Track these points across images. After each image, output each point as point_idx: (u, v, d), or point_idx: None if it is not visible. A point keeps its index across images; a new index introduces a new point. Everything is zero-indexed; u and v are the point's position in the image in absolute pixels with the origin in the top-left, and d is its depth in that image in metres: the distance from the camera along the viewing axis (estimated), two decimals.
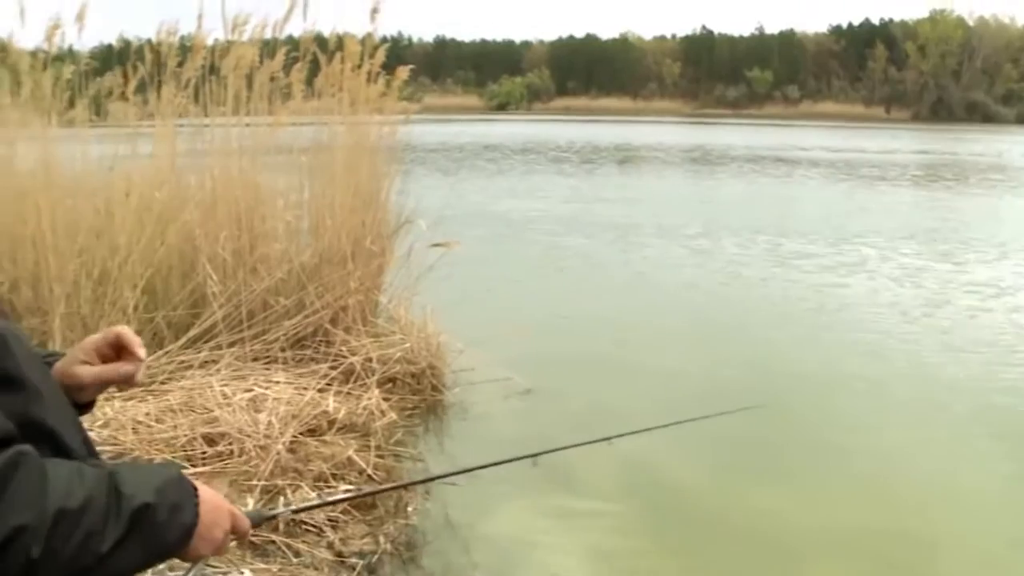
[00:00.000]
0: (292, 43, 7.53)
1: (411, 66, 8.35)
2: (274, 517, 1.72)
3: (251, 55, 7.08)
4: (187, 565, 1.42)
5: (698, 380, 7.28)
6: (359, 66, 7.36)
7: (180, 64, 7.04)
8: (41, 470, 1.14)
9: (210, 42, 7.27)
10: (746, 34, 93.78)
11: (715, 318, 9.40)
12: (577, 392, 6.84)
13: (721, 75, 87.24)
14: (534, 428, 6.00)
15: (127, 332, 1.59)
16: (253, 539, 4.01)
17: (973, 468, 5.79)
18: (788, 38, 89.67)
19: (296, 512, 1.84)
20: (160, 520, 1.25)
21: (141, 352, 1.58)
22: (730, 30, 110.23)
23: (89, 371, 1.56)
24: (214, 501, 1.39)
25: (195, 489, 1.35)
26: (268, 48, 7.27)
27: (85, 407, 1.60)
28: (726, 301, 10.14)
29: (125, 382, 1.60)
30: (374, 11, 7.66)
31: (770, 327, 9.01)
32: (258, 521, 1.60)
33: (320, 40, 7.70)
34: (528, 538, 4.65)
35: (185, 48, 7.23)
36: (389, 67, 7.72)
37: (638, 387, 7.05)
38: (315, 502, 2.67)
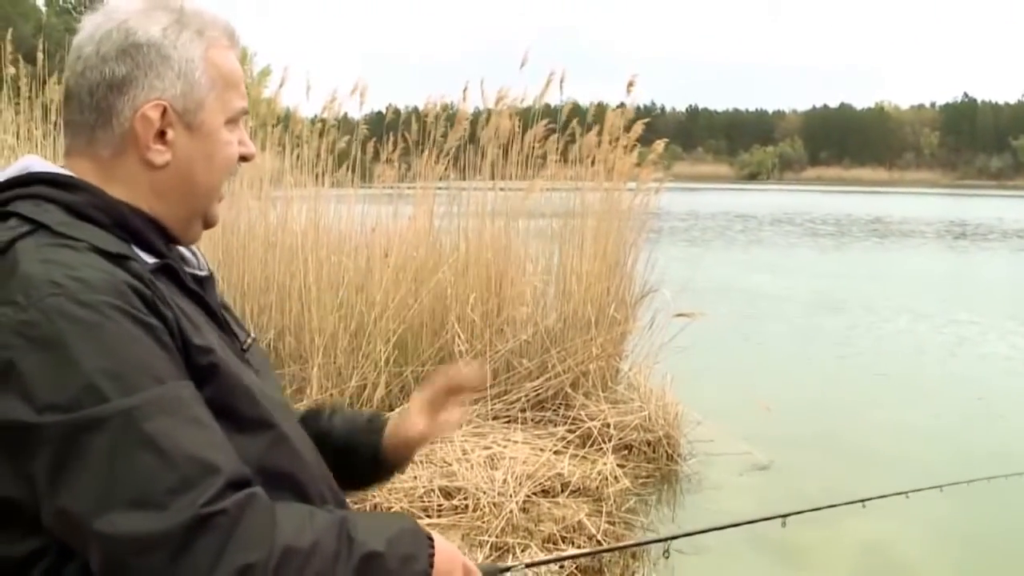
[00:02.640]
0: (550, 113, 7.70)
1: (666, 139, 8.36)
2: (507, 570, 1.70)
3: (509, 125, 7.29)
4: None
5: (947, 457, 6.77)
6: (616, 139, 7.42)
7: (444, 134, 7.35)
8: (271, 511, 1.14)
9: (471, 111, 7.59)
10: (1012, 100, 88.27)
11: (961, 403, 8.72)
12: (817, 470, 6.50)
13: (984, 144, 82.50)
14: (770, 502, 5.73)
15: (457, 373, 1.66)
16: None
17: None
18: None
19: (529, 566, 1.85)
20: (391, 568, 1.23)
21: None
22: (994, 96, 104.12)
23: (416, 429, 1.64)
24: (449, 552, 1.35)
25: (430, 540, 1.32)
26: (527, 117, 7.46)
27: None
28: (970, 383, 9.42)
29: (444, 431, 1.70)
30: (630, 84, 7.74)
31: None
32: (491, 573, 1.59)
33: (577, 110, 7.84)
34: None
35: (450, 117, 7.55)
36: (644, 138, 7.77)
37: (882, 468, 6.62)
38: (546, 557, 2.67)
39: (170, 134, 1.26)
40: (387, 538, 1.24)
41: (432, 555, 1.30)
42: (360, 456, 1.63)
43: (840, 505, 2.49)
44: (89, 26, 1.27)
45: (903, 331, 12.25)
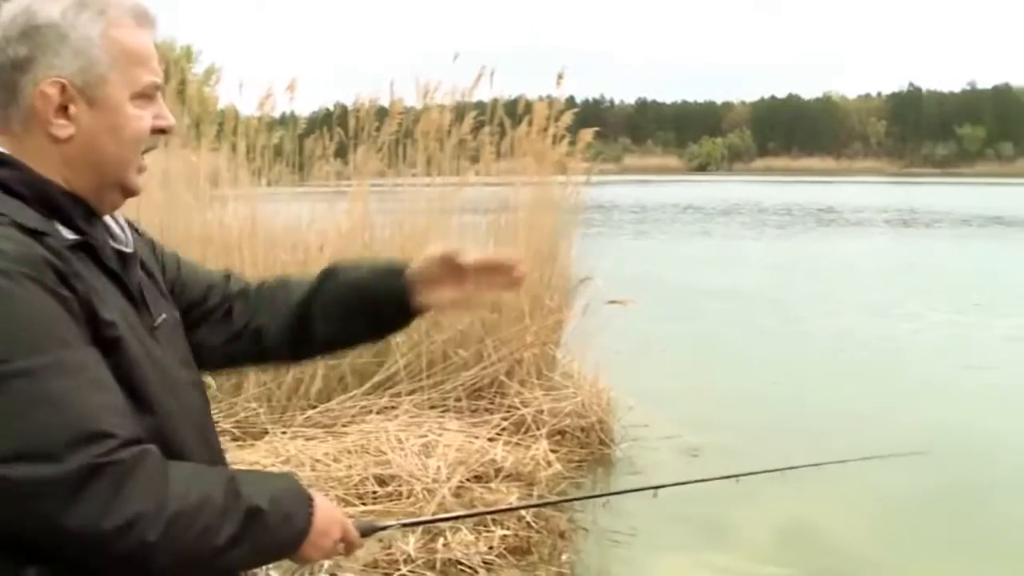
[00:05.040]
0: (482, 108, 7.87)
1: (596, 128, 8.55)
2: (383, 528, 1.81)
3: (441, 119, 7.44)
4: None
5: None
6: (545, 129, 7.59)
7: (378, 129, 7.49)
8: (163, 465, 1.26)
9: (406, 107, 7.73)
10: (957, 90, 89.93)
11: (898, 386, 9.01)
12: (748, 452, 6.72)
13: (929, 133, 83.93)
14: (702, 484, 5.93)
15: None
16: (408, 575, 4.17)
17: None
18: (1003, 93, 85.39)
19: (405, 526, 2.00)
20: (272, 524, 1.35)
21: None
22: (939, 86, 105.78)
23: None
24: (327, 511, 1.48)
25: (311, 500, 1.44)
26: (463, 113, 7.62)
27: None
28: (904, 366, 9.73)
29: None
30: (559, 76, 7.94)
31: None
32: (367, 532, 1.69)
33: (509, 105, 8.01)
34: None
35: (382, 113, 7.69)
36: (585, 129, 7.97)
37: (807, 449, 6.85)
38: (427, 517, 2.80)
39: (72, 109, 1.35)
40: (271, 496, 1.36)
41: (311, 514, 1.43)
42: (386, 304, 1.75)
43: (712, 479, 2.65)
44: (5, 12, 1.37)
45: (842, 319, 12.56)
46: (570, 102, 9.34)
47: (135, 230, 1.55)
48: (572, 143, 7.90)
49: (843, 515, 5.58)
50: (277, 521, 1.36)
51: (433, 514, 4.73)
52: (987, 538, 5.44)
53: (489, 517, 4.86)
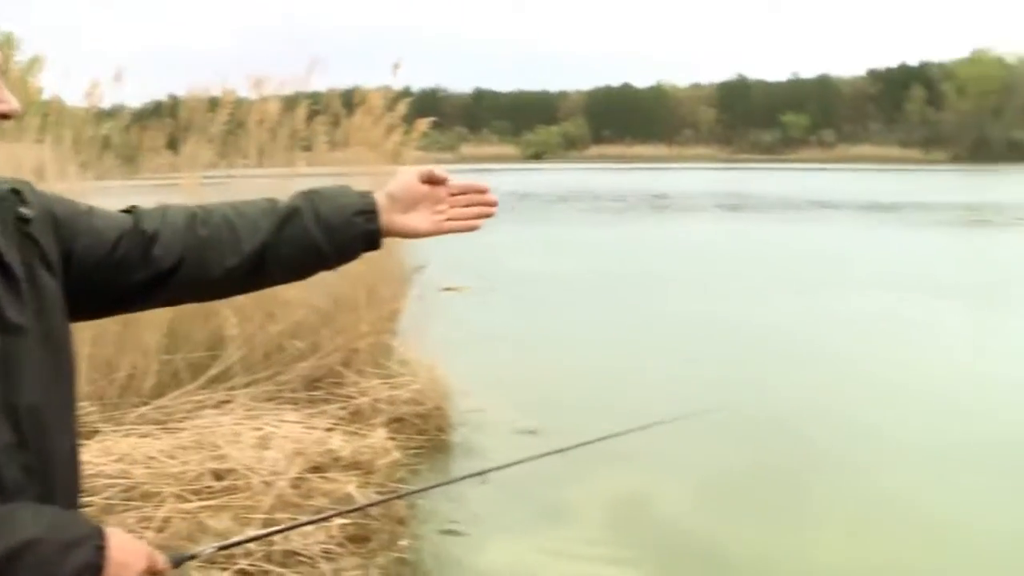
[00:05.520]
0: (315, 97, 7.86)
1: (433, 118, 8.65)
2: (194, 557, 1.61)
3: (273, 110, 7.40)
4: None
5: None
6: (380, 119, 7.64)
7: (210, 119, 7.39)
8: None
9: (238, 96, 7.65)
10: (782, 79, 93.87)
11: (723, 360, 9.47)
12: (583, 431, 6.95)
13: (756, 121, 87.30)
14: (534, 465, 6.11)
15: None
16: (248, 568, 4.19)
17: (944, 484, 5.84)
18: (824, 83, 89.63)
19: (220, 549, 1.71)
20: (48, 553, 1.26)
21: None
22: (765, 76, 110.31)
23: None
24: (128, 543, 1.38)
25: (99, 530, 1.34)
26: (290, 103, 7.59)
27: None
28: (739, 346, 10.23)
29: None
30: (395, 66, 8.00)
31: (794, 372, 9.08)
32: (178, 561, 1.54)
33: (346, 94, 8.03)
34: (520, 573, 4.79)
35: (214, 104, 7.58)
36: (421, 119, 8.05)
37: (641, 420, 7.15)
38: (239, 538, 2.57)
39: None
40: (48, 526, 1.28)
41: (102, 547, 1.31)
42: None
43: (537, 457, 2.76)
44: None
45: (679, 299, 13.05)
46: (406, 92, 9.40)
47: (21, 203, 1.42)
48: (407, 132, 7.99)
49: (669, 485, 5.86)
50: (53, 550, 1.26)
51: (271, 508, 4.76)
52: (804, 502, 5.82)
53: (328, 508, 4.92)
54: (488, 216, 1.74)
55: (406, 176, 1.67)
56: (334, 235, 1.61)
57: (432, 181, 1.67)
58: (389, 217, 1.64)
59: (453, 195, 1.71)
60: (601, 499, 5.63)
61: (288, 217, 1.61)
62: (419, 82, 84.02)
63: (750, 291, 13.52)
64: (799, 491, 5.99)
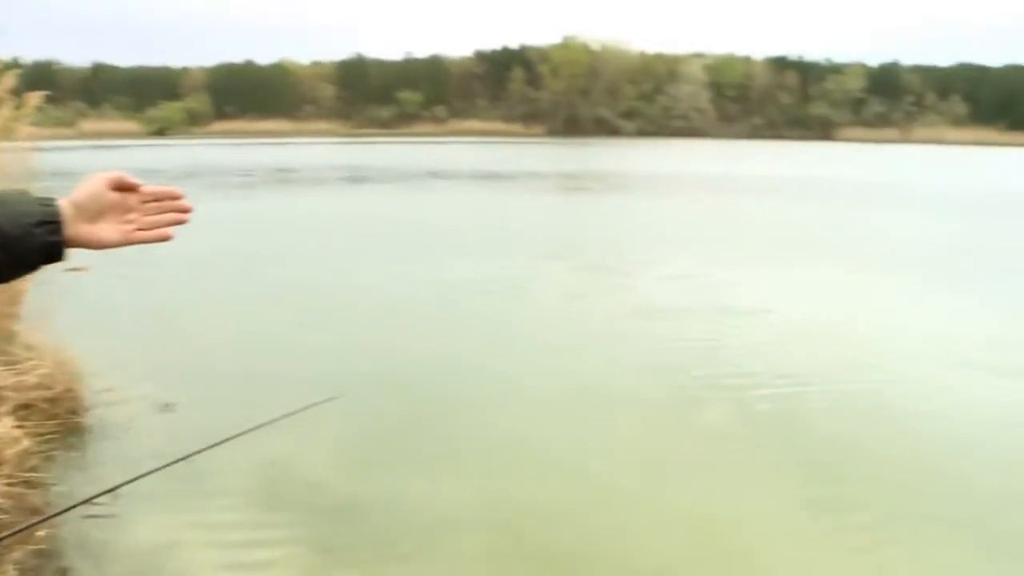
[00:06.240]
0: None
1: (47, 92, 7.94)
2: None
3: None
4: None
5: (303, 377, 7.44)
6: None
7: None
8: None
9: None
10: (397, 59, 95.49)
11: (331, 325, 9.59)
12: (215, 403, 6.77)
13: (374, 97, 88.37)
14: (171, 441, 5.88)
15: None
16: None
17: (555, 423, 6.36)
18: (435, 62, 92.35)
19: None
20: None
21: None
22: (382, 55, 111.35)
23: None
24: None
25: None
26: None
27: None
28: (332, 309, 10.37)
29: None
30: None
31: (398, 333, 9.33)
32: None
33: None
34: (168, 554, 4.58)
35: None
36: (33, 92, 7.36)
37: (267, 392, 7.09)
38: None
39: None
40: None
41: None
42: None
43: (168, 465, 2.69)
44: None
45: (312, 269, 12.97)
46: (15, 63, 8.58)
47: None
48: (18, 107, 7.30)
49: (312, 449, 5.86)
50: None
51: None
52: (439, 447, 6.06)
53: None
54: (181, 223, 1.60)
55: (94, 183, 1.49)
56: (11, 247, 1.39)
57: (122, 188, 1.51)
58: (74, 228, 1.44)
59: (145, 202, 1.55)
60: (245, 471, 5.50)
61: None
62: (31, 54, 76.87)
63: (376, 258, 13.73)
64: (432, 438, 6.24)
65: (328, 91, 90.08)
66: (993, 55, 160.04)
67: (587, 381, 7.57)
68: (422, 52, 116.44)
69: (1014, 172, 44.34)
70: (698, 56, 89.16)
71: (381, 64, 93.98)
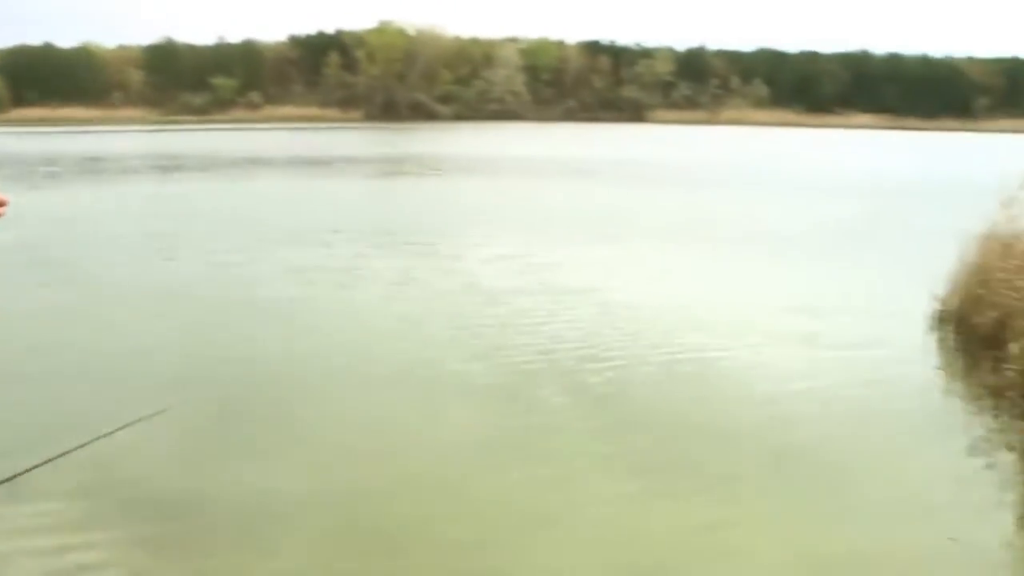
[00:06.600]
0: None
1: None
2: None
3: None
4: None
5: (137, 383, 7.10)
6: None
7: None
8: None
9: None
10: (209, 43, 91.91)
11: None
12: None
13: (186, 83, 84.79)
14: None
15: None
16: None
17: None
18: (249, 47, 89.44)
19: None
20: None
21: None
22: (193, 39, 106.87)
23: None
24: None
25: None
26: None
27: None
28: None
29: None
30: None
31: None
32: None
33: None
34: None
35: None
36: None
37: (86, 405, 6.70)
38: None
39: None
40: None
41: None
42: None
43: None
44: None
45: (117, 266, 12.31)
46: None
47: None
48: None
49: (144, 461, 5.56)
50: None
51: None
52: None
53: None
54: None
55: None
56: None
57: None
58: None
59: None
60: (71, 484, 5.16)
61: None
62: None
63: (196, 251, 13.20)
64: (265, 432, 6.09)
65: (137, 76, 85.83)
66: (791, 41, 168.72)
67: (420, 366, 7.52)
68: (235, 36, 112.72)
69: (813, 150, 46.99)
70: (513, 40, 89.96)
71: (192, 49, 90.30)
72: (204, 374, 7.29)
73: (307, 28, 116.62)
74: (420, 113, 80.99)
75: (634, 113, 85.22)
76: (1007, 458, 5.97)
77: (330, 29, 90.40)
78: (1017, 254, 8.48)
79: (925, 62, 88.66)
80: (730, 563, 4.48)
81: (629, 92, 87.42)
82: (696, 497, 5.18)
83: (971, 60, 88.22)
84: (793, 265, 12.81)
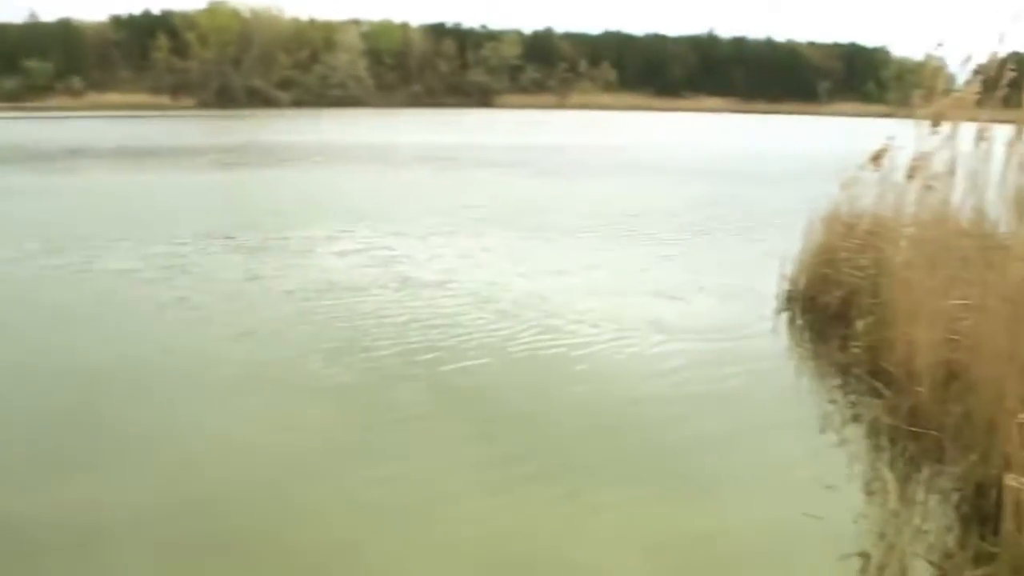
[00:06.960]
0: None
1: None
2: None
3: None
4: None
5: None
6: None
7: None
8: None
9: None
10: (19, 22, 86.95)
11: None
12: None
13: None
14: None
15: None
16: None
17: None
18: (66, 27, 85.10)
19: None
20: None
21: None
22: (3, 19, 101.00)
23: None
24: None
25: None
26: None
27: None
28: None
29: None
30: None
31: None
32: None
33: None
34: None
35: None
36: None
37: None
38: None
39: None
40: None
41: None
42: None
43: None
44: None
45: None
46: None
47: None
48: None
49: None
50: None
51: None
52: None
53: None
54: None
55: None
56: None
57: None
58: None
59: None
60: None
61: None
62: None
63: (17, 254, 12.57)
64: (99, 444, 5.90)
65: None
66: (638, 24, 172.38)
67: (268, 367, 7.36)
68: (49, 15, 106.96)
69: (662, 133, 48.32)
70: (354, 23, 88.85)
71: (2, 27, 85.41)
72: (16, 385, 6.95)
73: (131, 7, 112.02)
74: (257, 100, 79.04)
75: (481, 98, 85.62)
76: (856, 432, 6.32)
77: (156, 9, 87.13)
78: (859, 234, 8.94)
79: (769, 45, 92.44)
80: (595, 550, 4.57)
81: (476, 76, 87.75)
82: (554, 488, 5.26)
83: (812, 45, 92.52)
84: (645, 249, 13.14)
